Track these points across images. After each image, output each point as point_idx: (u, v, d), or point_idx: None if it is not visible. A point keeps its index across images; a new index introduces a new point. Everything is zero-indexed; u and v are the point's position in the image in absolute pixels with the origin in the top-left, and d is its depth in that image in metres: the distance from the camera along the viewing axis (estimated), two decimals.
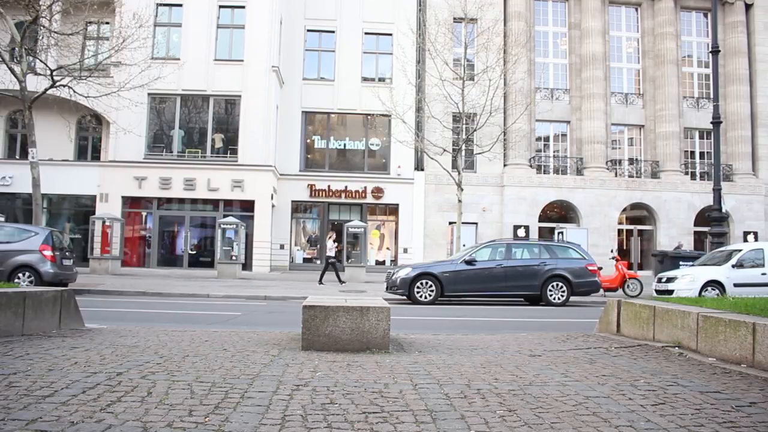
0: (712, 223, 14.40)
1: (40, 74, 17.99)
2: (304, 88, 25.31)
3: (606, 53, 27.30)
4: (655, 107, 27.31)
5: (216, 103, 23.42)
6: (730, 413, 2.53)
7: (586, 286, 13.88)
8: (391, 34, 25.27)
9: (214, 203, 23.07)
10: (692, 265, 14.10)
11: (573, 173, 26.77)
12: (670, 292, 12.53)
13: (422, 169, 25.17)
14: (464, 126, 21.16)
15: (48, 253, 12.65)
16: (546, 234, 25.64)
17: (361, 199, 24.98)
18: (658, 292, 13.14)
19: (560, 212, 27.41)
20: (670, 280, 13.07)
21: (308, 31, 25.75)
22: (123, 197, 22.67)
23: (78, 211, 23.69)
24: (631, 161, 27.85)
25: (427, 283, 13.03)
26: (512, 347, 4.56)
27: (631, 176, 27.44)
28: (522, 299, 14.08)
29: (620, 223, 27.11)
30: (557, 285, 13.50)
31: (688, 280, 12.62)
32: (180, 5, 23.13)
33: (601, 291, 14.95)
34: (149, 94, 21.64)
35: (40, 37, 17.36)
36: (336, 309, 4.22)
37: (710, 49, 15.19)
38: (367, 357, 3.89)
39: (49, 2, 16.38)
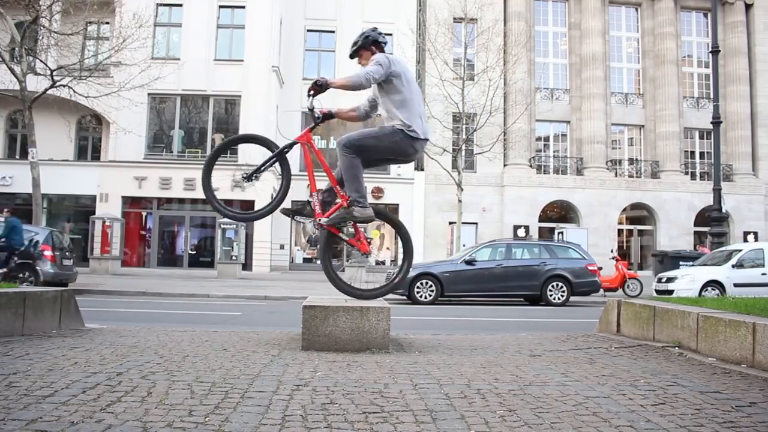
0: (712, 223, 14.39)
1: (40, 74, 17.99)
2: (305, 88, 25.23)
3: (606, 53, 27.30)
4: (655, 107, 27.31)
5: (216, 103, 23.43)
6: (730, 413, 2.53)
7: (586, 286, 13.88)
8: (391, 34, 25.22)
9: None
10: (692, 265, 14.09)
11: (573, 173, 26.77)
12: (670, 292, 12.51)
13: (422, 169, 25.16)
14: (464, 126, 21.17)
15: (48, 253, 12.65)
16: (546, 234, 25.65)
17: None
18: (658, 292, 13.13)
19: (560, 212, 27.42)
20: (670, 280, 13.06)
21: (308, 31, 25.76)
22: (123, 197, 22.68)
23: (78, 211, 23.70)
24: (631, 161, 27.87)
25: (427, 283, 13.02)
26: (512, 347, 4.56)
27: (631, 176, 27.45)
28: (522, 299, 14.07)
29: (620, 223, 27.12)
30: (557, 285, 13.49)
31: (688, 280, 12.61)
32: (180, 5, 23.14)
33: (601, 291, 14.94)
34: (149, 94, 21.64)
35: (40, 37, 17.37)
36: (336, 309, 4.21)
37: (710, 49, 15.17)
38: (367, 357, 3.88)
39: (49, 2, 16.39)
